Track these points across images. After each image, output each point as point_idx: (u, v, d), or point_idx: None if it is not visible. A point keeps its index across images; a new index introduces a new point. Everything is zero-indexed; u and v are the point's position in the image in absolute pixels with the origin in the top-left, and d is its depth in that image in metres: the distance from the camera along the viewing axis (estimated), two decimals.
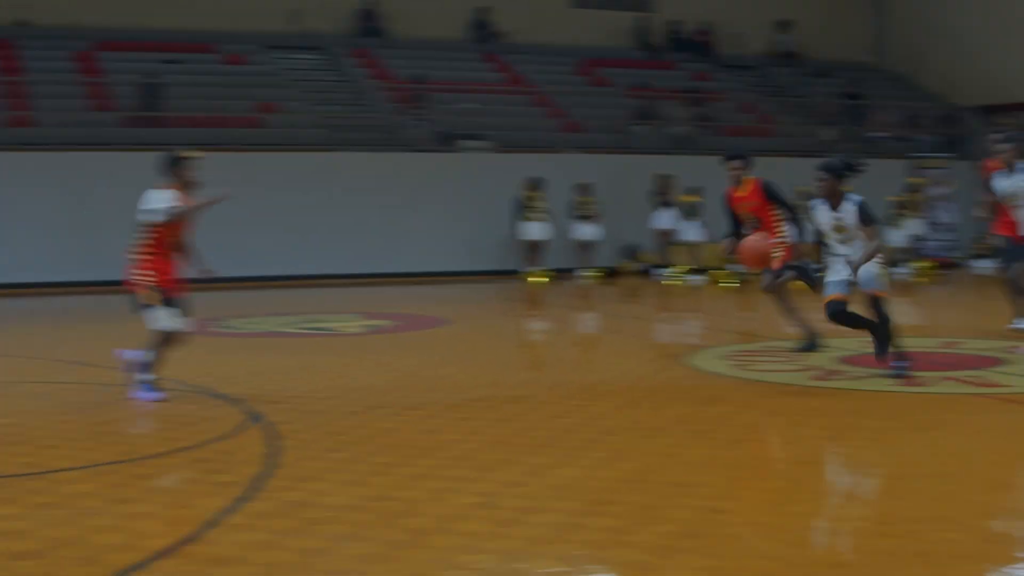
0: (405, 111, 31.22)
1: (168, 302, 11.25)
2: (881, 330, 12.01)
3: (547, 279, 27.50)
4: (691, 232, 27.99)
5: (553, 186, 27.94)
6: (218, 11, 32.73)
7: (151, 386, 11.40)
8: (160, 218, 11.09)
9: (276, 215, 26.89)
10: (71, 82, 30.28)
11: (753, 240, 12.84)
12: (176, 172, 11.31)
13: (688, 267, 27.70)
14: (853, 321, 12.01)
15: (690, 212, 28.08)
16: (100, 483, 8.34)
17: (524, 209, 27.84)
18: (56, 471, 8.71)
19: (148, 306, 11.25)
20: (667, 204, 28.60)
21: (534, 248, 27.91)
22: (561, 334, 19.77)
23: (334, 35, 33.99)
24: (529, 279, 27.55)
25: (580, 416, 10.81)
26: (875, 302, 11.90)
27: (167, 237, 11.28)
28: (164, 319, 11.21)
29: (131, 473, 8.65)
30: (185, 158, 11.36)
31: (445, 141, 29.98)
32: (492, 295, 25.73)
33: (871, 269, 11.65)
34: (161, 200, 11.15)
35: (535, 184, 27.81)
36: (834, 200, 11.80)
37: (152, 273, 11.20)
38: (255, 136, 28.71)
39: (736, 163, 14.30)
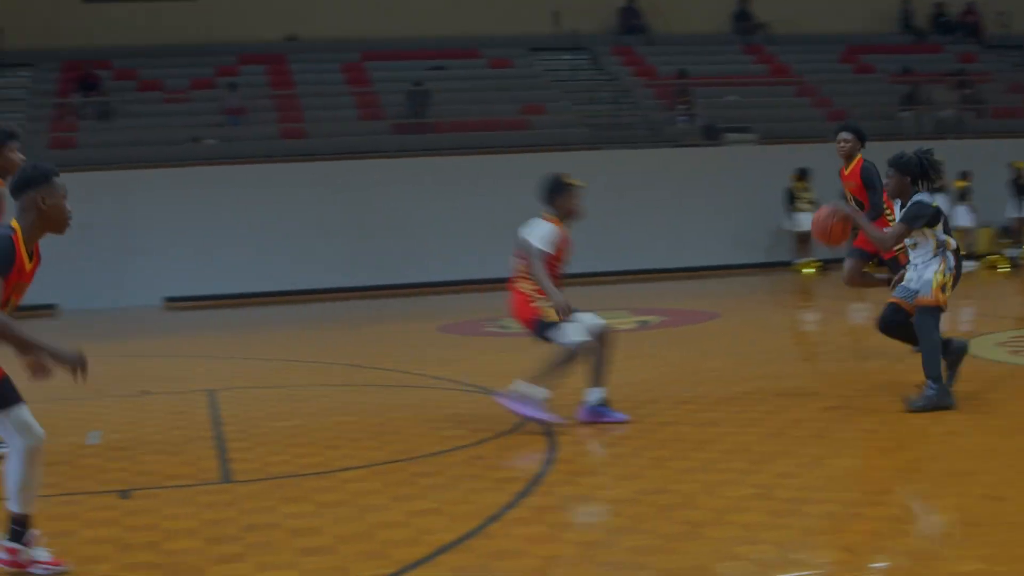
0: (669, 107, 31.24)
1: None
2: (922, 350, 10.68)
3: (817, 270, 27.23)
4: (963, 217, 27.35)
5: (821, 176, 27.57)
6: (481, 16, 33.15)
7: (541, 405, 10.19)
8: (536, 252, 10.16)
9: (540, 213, 27.10)
10: (340, 93, 31.05)
11: (822, 214, 10.82)
12: (558, 201, 10.44)
13: (961, 253, 27.14)
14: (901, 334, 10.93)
15: (962, 197, 27.50)
16: (383, 481, 8.61)
17: (793, 200, 27.62)
18: (341, 470, 9.00)
19: (551, 324, 10.12)
20: (939, 190, 28.01)
21: (804, 239, 27.63)
22: (833, 324, 19.56)
23: (596, 34, 34.16)
24: (800, 270, 27.32)
25: (854, 406, 10.73)
26: (918, 312, 10.63)
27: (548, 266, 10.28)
28: (573, 332, 10.08)
29: (413, 471, 8.88)
30: (569, 185, 10.51)
31: (710, 135, 29.90)
32: (761, 288, 25.57)
33: (926, 276, 10.66)
34: (543, 234, 10.27)
35: (803, 174, 27.56)
36: (904, 200, 10.73)
37: (535, 293, 10.23)
38: (521, 138, 29.01)
39: (845, 136, 13.15)
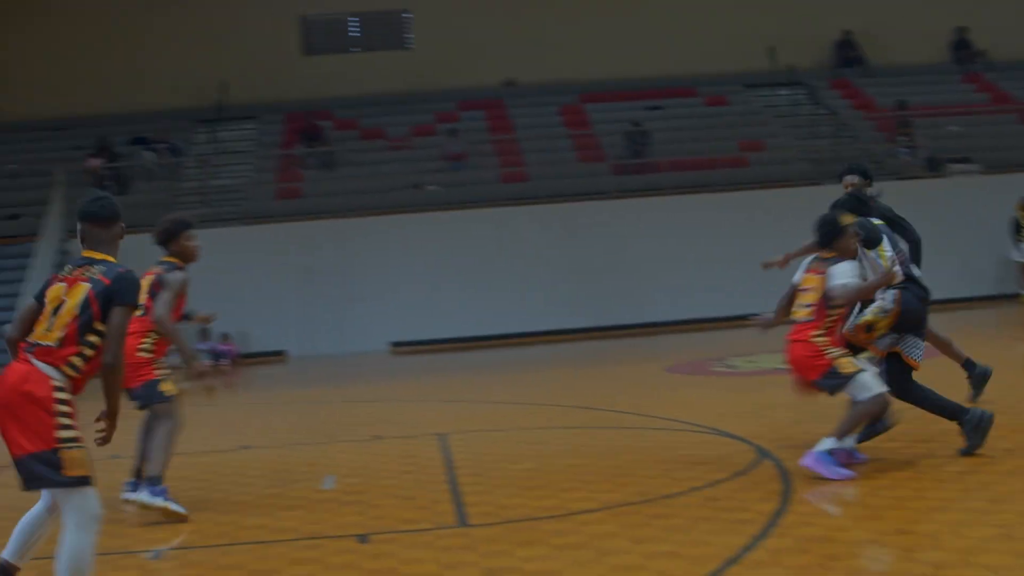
0: (890, 139, 30.86)
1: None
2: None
3: None
4: None
5: None
6: (696, 54, 33.17)
7: (837, 459, 9.56)
8: (849, 293, 9.71)
9: (764, 251, 26.93)
10: (559, 135, 31.29)
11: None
12: (839, 243, 9.93)
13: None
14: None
15: None
16: (620, 523, 8.61)
17: (1019, 230, 27.03)
18: (577, 513, 9.03)
19: (848, 377, 9.63)
20: None
21: None
22: None
23: (812, 68, 33.94)
24: None
25: None
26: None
27: (846, 313, 10.06)
28: (872, 381, 9.66)
29: (649, 513, 8.88)
30: (846, 226, 9.99)
31: (932, 167, 29.46)
32: (989, 320, 25.03)
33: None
34: (844, 271, 9.81)
35: None
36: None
37: (827, 346, 9.71)
38: (741, 175, 28.91)
39: (850, 179, 12.27)
